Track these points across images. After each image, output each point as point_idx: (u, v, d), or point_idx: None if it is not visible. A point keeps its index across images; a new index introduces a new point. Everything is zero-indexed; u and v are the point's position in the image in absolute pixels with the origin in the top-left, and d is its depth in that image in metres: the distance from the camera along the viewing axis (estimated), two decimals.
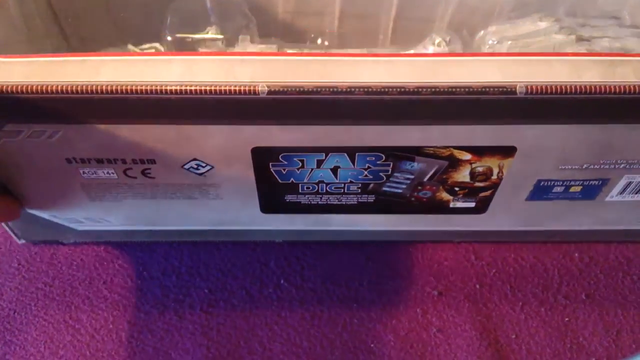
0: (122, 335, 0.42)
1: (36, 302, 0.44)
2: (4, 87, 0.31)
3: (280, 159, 0.36)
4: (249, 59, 0.32)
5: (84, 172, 0.37)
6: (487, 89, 0.32)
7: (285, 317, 0.43)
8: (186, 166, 0.36)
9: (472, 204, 0.41)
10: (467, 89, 0.32)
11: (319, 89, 0.32)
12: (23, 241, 0.45)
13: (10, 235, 0.46)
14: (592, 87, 0.32)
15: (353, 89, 0.32)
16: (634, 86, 0.31)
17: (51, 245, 0.47)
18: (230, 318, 0.43)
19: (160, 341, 0.42)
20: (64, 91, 0.31)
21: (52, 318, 0.43)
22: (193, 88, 0.31)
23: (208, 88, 0.31)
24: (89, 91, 0.31)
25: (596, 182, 0.39)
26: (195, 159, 0.36)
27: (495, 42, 0.43)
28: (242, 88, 0.31)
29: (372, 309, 0.44)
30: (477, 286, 0.44)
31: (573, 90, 0.32)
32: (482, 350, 0.42)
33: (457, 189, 0.39)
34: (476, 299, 0.44)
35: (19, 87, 0.31)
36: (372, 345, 0.42)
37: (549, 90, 0.32)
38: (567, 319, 0.43)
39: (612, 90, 0.31)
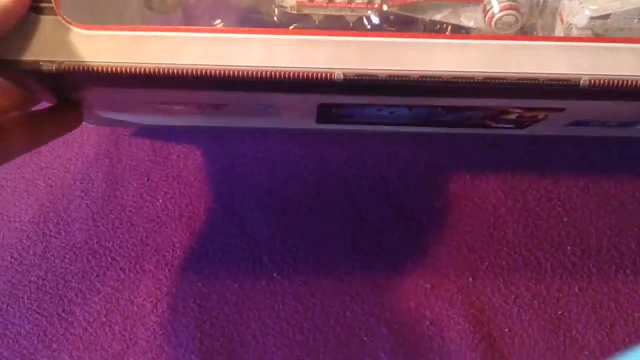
0: (115, 329, 0.42)
1: (29, 296, 0.44)
2: (90, 67, 0.33)
3: (344, 109, 0.40)
4: (325, 39, 0.34)
5: (159, 105, 0.40)
6: (553, 82, 0.34)
7: (279, 310, 0.43)
8: (256, 107, 0.40)
9: (513, 125, 0.43)
10: (534, 81, 0.34)
11: (391, 77, 0.34)
12: None
13: (2, 229, 0.46)
14: None
15: (424, 78, 0.34)
16: None
17: (43, 238, 0.46)
18: (223, 312, 0.43)
19: (153, 334, 0.42)
20: (148, 73, 0.34)
21: (45, 311, 0.43)
22: (273, 72, 0.34)
23: (287, 73, 0.34)
24: (173, 73, 0.33)
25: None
26: (264, 106, 0.40)
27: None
28: (319, 74, 0.34)
29: (365, 303, 0.44)
30: (470, 280, 0.44)
31: (635, 85, 0.33)
32: (476, 343, 0.42)
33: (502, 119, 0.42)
34: (469, 292, 0.44)
35: (103, 67, 0.33)
36: (365, 338, 0.42)
37: (612, 84, 0.33)
38: (560, 313, 0.43)
39: None
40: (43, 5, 0.33)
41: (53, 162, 0.51)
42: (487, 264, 0.45)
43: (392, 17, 0.44)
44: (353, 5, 0.42)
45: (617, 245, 0.46)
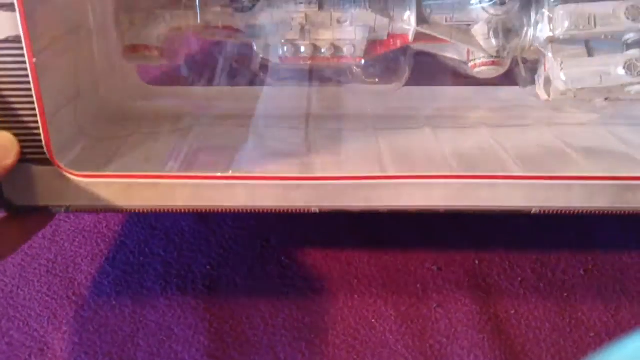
0: (125, 311, 0.43)
1: (39, 279, 0.44)
2: (93, 209, 0.38)
3: None
4: (302, 183, 0.38)
5: None
6: (506, 211, 0.38)
7: (287, 293, 0.44)
8: None
9: None
10: (489, 210, 0.38)
11: (363, 211, 0.38)
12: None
13: None
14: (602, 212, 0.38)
15: (392, 210, 0.38)
16: None
17: (52, 222, 0.47)
18: (232, 294, 0.43)
19: (162, 316, 0.42)
20: (144, 212, 0.39)
21: (55, 294, 0.44)
22: (256, 209, 0.38)
23: (268, 209, 0.38)
24: (166, 210, 0.38)
25: None
26: None
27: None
28: (297, 209, 0.38)
29: (372, 285, 0.44)
30: (476, 262, 0.45)
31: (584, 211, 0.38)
32: (482, 324, 0.42)
33: None
34: (475, 274, 0.44)
35: (104, 208, 0.38)
36: (373, 320, 0.43)
37: (561, 212, 0.38)
38: (565, 294, 0.44)
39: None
40: (38, 157, 0.35)
41: None
42: (492, 246, 0.46)
43: (371, 69, 0.46)
44: (336, 60, 0.44)
45: (621, 227, 0.47)
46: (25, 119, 0.34)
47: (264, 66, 0.46)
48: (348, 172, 0.39)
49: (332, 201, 0.38)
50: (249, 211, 0.38)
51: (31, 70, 0.32)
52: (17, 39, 0.31)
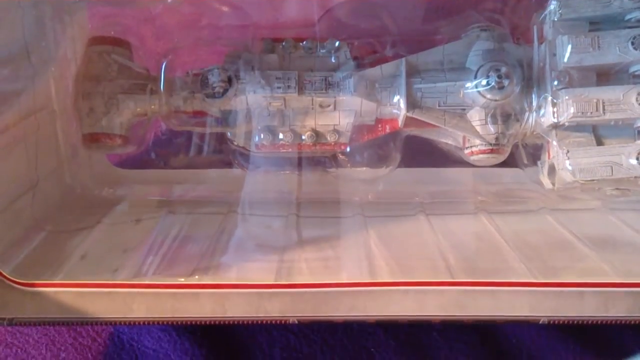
0: (123, 339, 0.42)
1: None
2: (40, 321, 0.35)
3: None
4: (279, 292, 0.35)
5: None
6: (510, 320, 0.35)
7: (285, 322, 0.43)
8: None
9: None
10: (490, 321, 0.35)
11: (347, 321, 0.36)
12: None
13: None
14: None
15: (380, 321, 0.36)
16: None
17: None
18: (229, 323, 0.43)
19: (159, 342, 0.42)
20: (99, 323, 0.37)
21: None
22: (225, 321, 0.35)
23: (239, 320, 0.35)
24: (122, 323, 0.36)
25: None
26: None
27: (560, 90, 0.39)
28: (273, 320, 0.35)
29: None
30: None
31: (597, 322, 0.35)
32: (484, 354, 0.41)
33: None
34: None
35: (52, 321, 0.36)
36: (372, 349, 0.42)
37: (572, 322, 0.35)
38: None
39: None
40: None
41: None
42: None
43: (357, 156, 0.43)
44: (318, 147, 0.41)
45: None
46: None
47: (241, 153, 0.43)
48: (330, 277, 0.37)
49: (313, 311, 0.35)
50: (217, 322, 0.35)
51: None
52: None
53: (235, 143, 0.42)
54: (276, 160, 0.44)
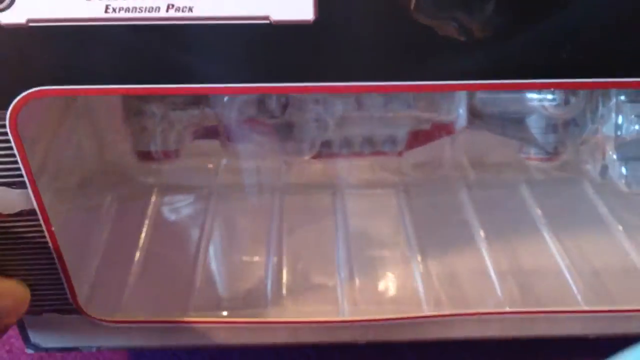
0: None
1: None
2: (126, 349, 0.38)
3: None
4: (352, 326, 0.35)
5: None
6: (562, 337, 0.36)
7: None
8: None
9: None
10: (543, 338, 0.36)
11: (411, 342, 0.36)
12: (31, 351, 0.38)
13: None
14: None
15: (441, 340, 0.36)
16: None
17: None
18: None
19: None
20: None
21: None
22: (298, 344, 0.36)
23: (310, 344, 0.37)
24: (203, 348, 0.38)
25: None
26: None
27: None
28: (343, 343, 0.36)
29: None
30: None
31: None
32: None
33: None
34: None
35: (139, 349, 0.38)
36: None
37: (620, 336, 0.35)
38: None
39: None
40: (64, 307, 0.33)
41: None
42: None
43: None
44: (373, 156, 0.41)
45: None
46: (50, 277, 0.32)
47: None
48: (396, 311, 0.37)
49: (380, 336, 0.36)
50: (290, 346, 0.37)
51: (50, 238, 0.30)
52: (31, 212, 0.28)
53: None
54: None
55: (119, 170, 0.44)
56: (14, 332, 0.37)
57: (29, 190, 0.27)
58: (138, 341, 0.36)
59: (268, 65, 0.24)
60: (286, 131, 0.39)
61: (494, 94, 0.38)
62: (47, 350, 0.36)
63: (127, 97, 0.39)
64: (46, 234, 0.29)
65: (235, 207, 0.44)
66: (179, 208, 0.44)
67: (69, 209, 0.35)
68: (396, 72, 0.24)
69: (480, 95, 0.39)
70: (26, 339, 0.35)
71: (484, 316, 0.35)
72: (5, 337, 0.36)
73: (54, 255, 0.30)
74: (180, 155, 0.42)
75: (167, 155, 0.41)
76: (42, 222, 0.29)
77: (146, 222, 0.43)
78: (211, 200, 0.45)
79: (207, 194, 0.45)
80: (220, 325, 0.36)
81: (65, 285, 0.32)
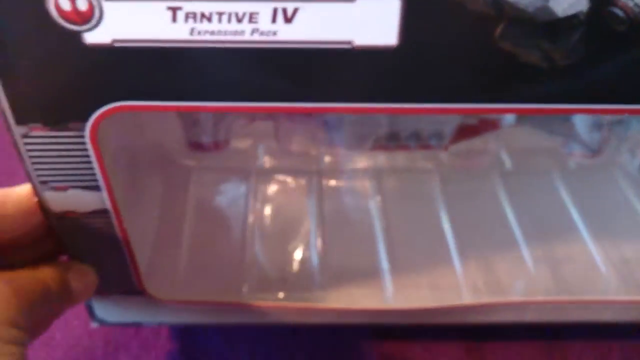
0: (96, 353, 0.40)
1: None
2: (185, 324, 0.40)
3: None
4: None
5: None
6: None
7: (269, 333, 0.41)
8: None
9: None
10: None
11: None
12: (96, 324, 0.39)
13: None
14: None
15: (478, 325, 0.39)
16: None
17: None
18: (209, 336, 0.41)
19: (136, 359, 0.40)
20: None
21: None
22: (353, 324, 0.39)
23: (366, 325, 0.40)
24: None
25: None
26: None
27: None
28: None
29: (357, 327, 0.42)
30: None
31: None
32: None
33: None
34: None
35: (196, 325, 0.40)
36: None
37: None
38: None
39: None
40: (130, 289, 0.35)
41: None
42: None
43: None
44: (418, 149, 0.42)
45: None
46: (118, 264, 0.33)
47: None
48: (436, 296, 0.38)
49: (420, 319, 0.38)
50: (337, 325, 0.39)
51: (120, 231, 0.31)
52: (104, 211, 0.29)
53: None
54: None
55: (167, 156, 0.45)
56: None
57: (104, 192, 0.28)
58: (196, 319, 0.38)
59: (350, 87, 0.24)
60: (338, 125, 0.40)
61: None
62: (111, 324, 0.38)
63: None
64: (116, 228, 0.30)
65: (279, 190, 0.45)
66: (225, 191, 0.45)
67: (130, 198, 0.36)
68: (476, 95, 0.25)
69: None
70: (92, 315, 0.37)
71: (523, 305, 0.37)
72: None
73: (123, 245, 0.32)
74: (230, 143, 0.42)
75: (217, 145, 0.42)
76: (113, 219, 0.30)
77: (192, 204, 0.44)
78: (256, 183, 0.46)
79: (252, 177, 0.46)
80: (272, 307, 0.37)
81: (132, 270, 0.34)
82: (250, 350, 0.41)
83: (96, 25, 0.22)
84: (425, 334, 0.42)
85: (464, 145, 0.43)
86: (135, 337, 0.41)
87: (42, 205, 0.29)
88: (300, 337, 0.41)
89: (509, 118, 0.40)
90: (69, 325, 0.41)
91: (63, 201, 0.28)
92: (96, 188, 0.28)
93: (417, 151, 0.42)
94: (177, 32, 0.23)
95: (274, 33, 0.23)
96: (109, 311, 0.37)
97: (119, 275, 0.34)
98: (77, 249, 0.32)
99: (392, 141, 0.41)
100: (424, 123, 0.41)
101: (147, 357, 0.40)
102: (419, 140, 0.41)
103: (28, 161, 0.26)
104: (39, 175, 0.27)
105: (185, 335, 0.41)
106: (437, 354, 0.41)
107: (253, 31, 0.23)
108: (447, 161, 0.44)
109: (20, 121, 0.25)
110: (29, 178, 0.27)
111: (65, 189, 0.28)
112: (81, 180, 0.27)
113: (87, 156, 0.26)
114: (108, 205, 0.29)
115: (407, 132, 0.41)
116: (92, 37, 0.23)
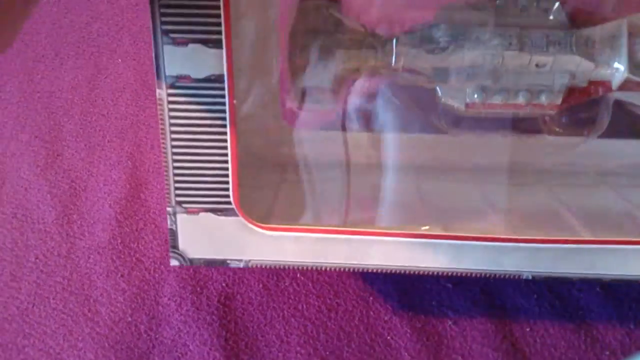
0: (140, 328, 0.43)
1: (54, 296, 0.44)
2: (275, 265, 0.37)
3: None
4: (518, 246, 0.35)
5: None
6: None
7: (302, 310, 0.44)
8: None
9: None
10: None
11: (583, 279, 0.36)
12: (175, 262, 0.38)
13: (26, 230, 0.47)
14: None
15: (616, 281, 0.37)
16: None
17: (67, 239, 0.47)
18: (247, 311, 0.43)
19: (178, 333, 0.42)
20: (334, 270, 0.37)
21: (70, 311, 0.44)
22: (459, 273, 0.37)
23: (472, 273, 0.37)
24: (359, 270, 0.37)
25: None
26: None
27: None
28: (506, 275, 0.36)
29: (388, 302, 0.44)
30: (491, 279, 0.45)
31: None
32: (498, 342, 0.42)
33: None
34: (491, 291, 0.44)
35: (289, 266, 0.37)
36: (388, 337, 0.43)
37: None
38: (581, 312, 0.43)
39: None
40: (223, 206, 0.33)
41: (76, 165, 0.51)
42: None
43: (564, 119, 0.42)
44: (530, 107, 0.39)
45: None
46: (217, 164, 0.32)
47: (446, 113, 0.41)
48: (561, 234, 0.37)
49: (549, 268, 0.36)
50: (448, 275, 0.37)
51: (230, 112, 0.30)
52: (219, 78, 0.29)
53: (443, 101, 0.40)
54: (477, 122, 0.42)
55: None
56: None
57: (224, 51, 0.28)
58: (289, 256, 0.36)
59: None
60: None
61: None
62: (192, 262, 0.35)
63: None
64: (227, 107, 0.30)
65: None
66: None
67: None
68: None
69: (639, 45, 0.37)
70: (174, 245, 0.35)
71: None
72: None
73: (228, 138, 0.31)
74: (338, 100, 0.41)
75: (324, 93, 0.40)
76: (227, 91, 0.29)
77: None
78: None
79: None
80: (380, 239, 0.35)
81: (230, 178, 0.32)
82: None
83: None
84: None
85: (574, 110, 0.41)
86: (177, 311, 0.43)
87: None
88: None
89: (620, 76, 0.38)
90: (113, 300, 0.44)
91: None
92: (217, 44, 0.28)
93: (528, 107, 0.40)
94: None
95: None
96: (192, 241, 0.34)
97: (215, 182, 0.32)
98: (177, 130, 0.31)
99: (500, 95, 0.39)
100: (533, 77, 0.39)
101: (189, 330, 0.42)
102: (532, 99, 0.39)
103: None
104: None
105: (225, 309, 0.43)
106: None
107: None
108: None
109: None
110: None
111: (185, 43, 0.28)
112: (203, 32, 0.27)
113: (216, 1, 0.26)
114: (224, 69, 0.28)
115: (519, 88, 0.39)
116: None
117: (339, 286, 0.44)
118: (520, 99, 0.38)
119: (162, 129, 0.32)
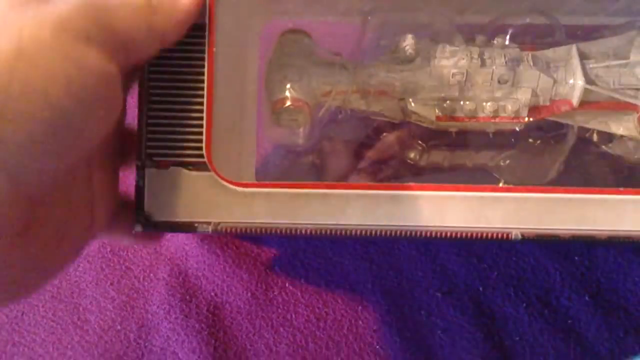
0: (129, 336, 0.43)
1: (44, 304, 0.44)
2: (247, 228, 0.33)
3: None
4: (503, 196, 0.33)
5: None
6: None
7: (291, 319, 0.44)
8: None
9: None
10: None
11: (575, 237, 0.33)
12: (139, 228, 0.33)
13: None
14: None
15: (612, 238, 0.33)
16: None
17: None
18: (236, 320, 0.43)
19: (167, 341, 0.42)
20: (309, 233, 0.33)
21: (60, 319, 0.44)
22: (443, 232, 0.33)
23: (458, 232, 0.33)
24: (335, 234, 0.33)
25: None
26: None
27: None
28: (493, 233, 0.33)
29: (377, 311, 0.44)
30: (480, 288, 0.45)
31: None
32: (487, 351, 0.42)
33: None
34: (480, 300, 0.44)
35: (261, 229, 0.33)
36: (377, 347, 0.43)
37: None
38: (570, 321, 0.43)
39: None
40: (195, 160, 0.32)
41: None
42: (495, 272, 0.46)
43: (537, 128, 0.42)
44: (497, 120, 0.39)
45: (623, 253, 0.47)
46: (192, 115, 0.30)
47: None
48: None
49: (538, 222, 0.33)
50: (433, 235, 0.33)
51: (208, 62, 0.30)
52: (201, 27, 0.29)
53: (415, 114, 0.40)
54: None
55: None
56: None
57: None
58: (262, 217, 0.33)
59: None
60: None
61: (601, 63, 0.39)
62: (156, 225, 0.32)
63: None
64: (206, 56, 0.30)
65: None
66: None
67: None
68: None
69: (589, 66, 0.39)
70: (139, 207, 0.32)
71: None
72: None
73: (205, 88, 0.30)
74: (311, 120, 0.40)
75: (299, 103, 0.39)
76: (207, 39, 0.29)
77: None
78: None
79: None
80: (359, 192, 0.33)
81: (204, 130, 0.30)
82: None
83: None
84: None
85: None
86: (166, 320, 0.43)
87: None
88: None
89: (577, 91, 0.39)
90: (102, 308, 0.44)
91: None
92: None
93: (497, 121, 0.40)
94: None
95: None
96: (158, 202, 0.32)
97: (187, 133, 0.31)
98: (154, 77, 0.31)
99: (473, 112, 0.40)
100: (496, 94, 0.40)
101: (178, 339, 0.42)
102: (499, 112, 0.40)
103: None
104: None
105: (214, 317, 0.43)
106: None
107: None
108: None
109: None
110: None
111: None
112: None
113: None
114: (206, 19, 0.29)
115: (485, 101, 0.40)
116: None
117: (327, 295, 0.44)
118: (487, 112, 0.40)
119: (140, 78, 0.31)
